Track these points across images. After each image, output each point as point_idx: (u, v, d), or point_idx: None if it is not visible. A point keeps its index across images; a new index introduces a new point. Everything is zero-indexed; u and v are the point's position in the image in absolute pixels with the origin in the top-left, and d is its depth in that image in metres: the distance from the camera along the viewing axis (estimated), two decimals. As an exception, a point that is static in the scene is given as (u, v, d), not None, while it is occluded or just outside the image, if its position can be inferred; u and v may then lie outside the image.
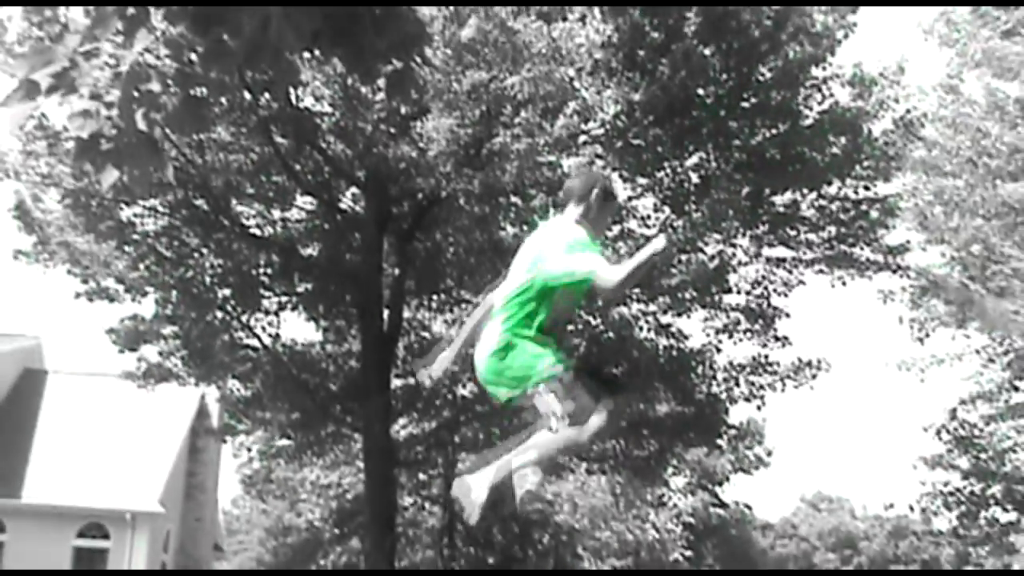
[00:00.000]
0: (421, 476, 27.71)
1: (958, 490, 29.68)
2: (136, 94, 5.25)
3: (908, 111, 22.34)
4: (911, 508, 30.70)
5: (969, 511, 29.71)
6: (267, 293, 23.31)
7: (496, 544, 27.70)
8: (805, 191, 22.35)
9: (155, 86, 5.27)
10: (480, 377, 6.44)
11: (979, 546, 35.80)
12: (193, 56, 5.51)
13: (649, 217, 23.19)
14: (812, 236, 23.06)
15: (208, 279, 22.43)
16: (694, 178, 21.92)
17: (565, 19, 18.90)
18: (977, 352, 29.19)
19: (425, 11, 17.55)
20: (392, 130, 19.91)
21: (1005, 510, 29.79)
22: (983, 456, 29.54)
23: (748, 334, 24.39)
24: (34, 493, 29.91)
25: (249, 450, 28.91)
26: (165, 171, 5.35)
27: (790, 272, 23.93)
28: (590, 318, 23.63)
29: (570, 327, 23.30)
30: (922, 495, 29.86)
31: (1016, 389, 29.57)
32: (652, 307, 24.22)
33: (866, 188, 22.50)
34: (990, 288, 26.76)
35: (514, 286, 6.35)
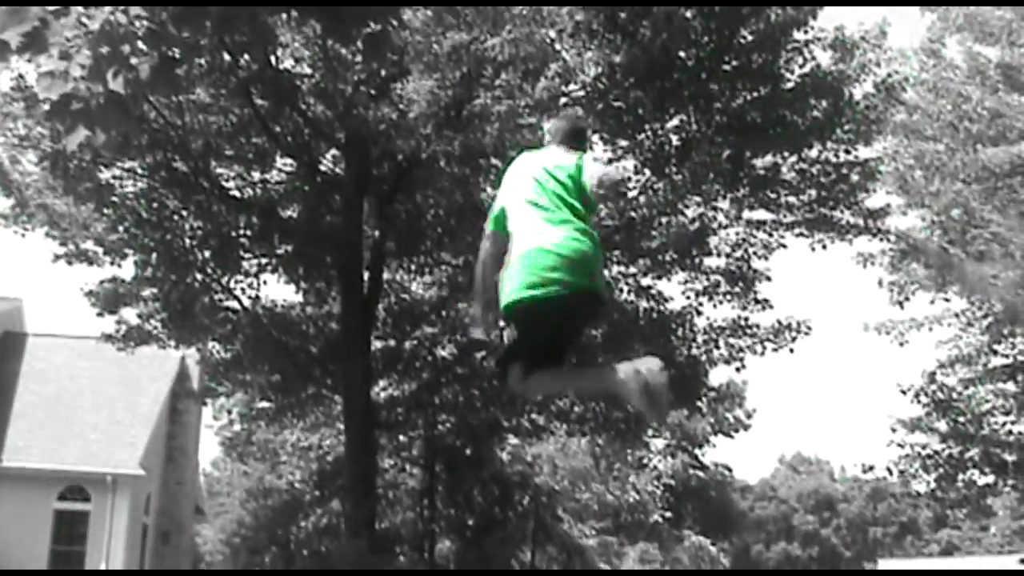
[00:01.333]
0: (401, 438, 27.72)
1: (936, 453, 29.74)
2: (107, 54, 5.20)
3: (889, 75, 22.33)
4: (889, 471, 30.71)
5: (947, 474, 29.79)
6: (247, 255, 23.24)
7: (476, 505, 27.76)
8: (786, 154, 22.35)
9: (126, 46, 5.23)
10: (550, 272, 6.02)
11: (956, 508, 36.01)
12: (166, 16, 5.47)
13: (630, 179, 23.18)
14: (793, 199, 23.08)
15: (188, 241, 22.35)
16: (675, 140, 21.92)
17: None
18: (956, 316, 29.25)
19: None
20: (372, 92, 19.85)
21: (983, 473, 29.88)
22: (961, 419, 29.62)
23: (728, 297, 24.44)
24: (15, 456, 29.86)
25: (230, 412, 28.90)
26: (136, 133, 5.31)
27: (770, 235, 23.97)
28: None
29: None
30: (900, 458, 29.94)
31: (994, 353, 29.64)
32: (633, 269, 24.25)
33: (847, 152, 22.51)
34: (970, 252, 26.81)
35: (557, 190, 6.23)
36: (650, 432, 32.58)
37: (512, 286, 6.09)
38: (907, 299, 28.34)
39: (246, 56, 19.39)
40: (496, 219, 6.43)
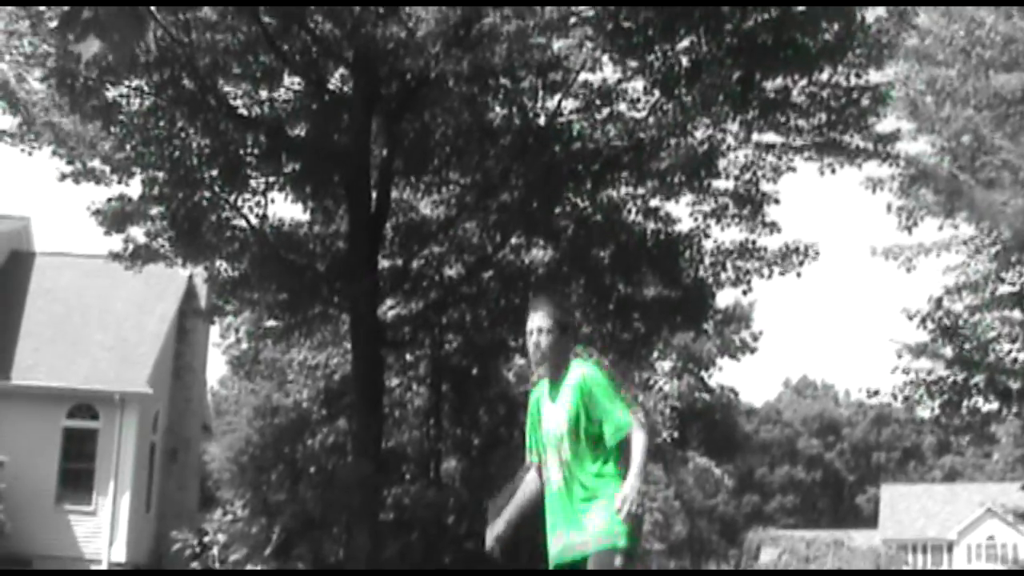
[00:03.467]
0: (408, 357, 27.79)
1: (941, 379, 29.79)
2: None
3: (902, -2, 22.17)
4: (894, 396, 30.78)
5: (951, 400, 29.86)
6: (254, 173, 23.18)
7: (482, 425, 27.89)
8: (796, 77, 22.21)
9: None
10: None
11: (960, 435, 36.20)
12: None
13: (639, 100, 23.10)
14: (802, 122, 22.98)
15: (195, 159, 22.28)
16: (684, 62, 21.79)
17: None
18: (964, 243, 29.21)
19: None
20: (380, 10, 19.70)
21: (987, 400, 29.95)
22: (967, 346, 29.66)
23: (736, 219, 24.44)
24: (24, 375, 30.02)
25: (237, 331, 28.93)
26: (146, 38, 5.28)
27: (779, 158, 23.92)
28: (578, 200, 23.64)
29: (557, 209, 23.37)
30: (905, 383, 30.00)
31: (1002, 280, 29.63)
32: (641, 190, 24.23)
33: (858, 76, 22.39)
34: (979, 179, 26.72)
35: None
36: (656, 354, 32.62)
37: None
38: (915, 225, 28.28)
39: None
40: None
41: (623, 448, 6.35)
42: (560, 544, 6.41)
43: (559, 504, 6.45)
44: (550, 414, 6.57)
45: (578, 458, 6.39)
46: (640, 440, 6.30)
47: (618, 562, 6.15)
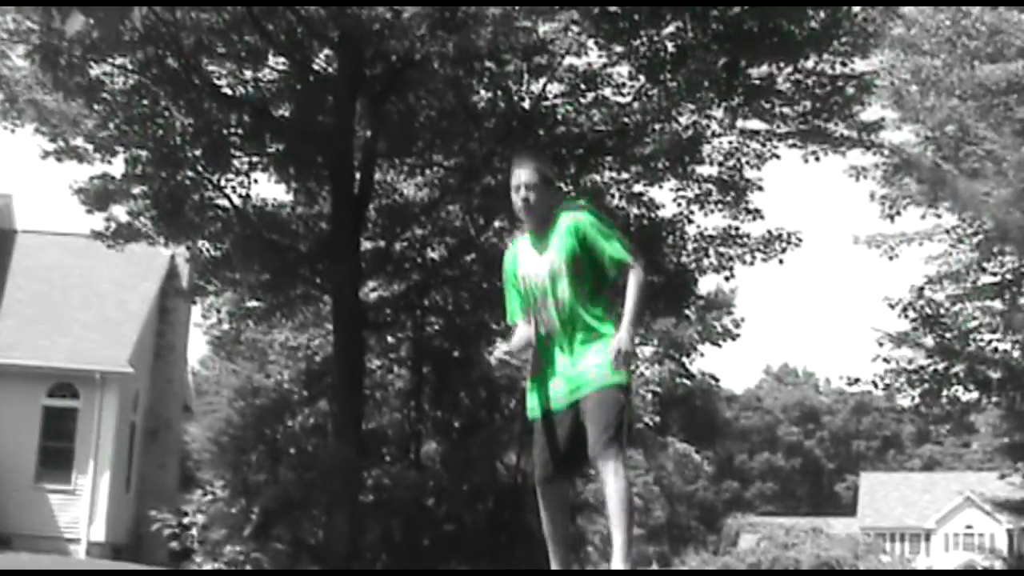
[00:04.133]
0: (389, 339, 27.75)
1: (921, 368, 29.92)
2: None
3: (888, -13, 22.19)
4: (875, 384, 30.90)
5: (931, 389, 30.00)
6: (238, 153, 23.13)
7: (463, 408, 27.85)
8: (781, 64, 22.26)
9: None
10: None
11: (940, 424, 36.36)
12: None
13: (624, 85, 23.10)
14: (787, 110, 23.03)
15: (178, 138, 22.21)
16: (670, 47, 21.80)
17: None
18: (947, 232, 29.33)
19: None
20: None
21: (967, 389, 30.10)
22: (947, 335, 29.79)
23: (720, 205, 24.48)
24: (4, 353, 29.84)
25: (219, 311, 28.86)
26: (130, 15, 5.26)
27: (763, 145, 23.94)
28: (561, 184, 23.62)
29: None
30: (886, 372, 30.13)
31: (984, 270, 29.78)
32: (625, 175, 24.23)
33: (843, 64, 22.45)
34: (963, 169, 26.81)
35: None
36: (637, 339, 32.67)
37: None
38: (898, 213, 28.43)
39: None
40: None
41: (620, 287, 6.40)
42: (558, 388, 6.41)
43: (556, 348, 6.45)
44: (539, 263, 6.48)
45: (578, 298, 6.36)
46: (635, 282, 6.36)
47: (622, 398, 6.19)
